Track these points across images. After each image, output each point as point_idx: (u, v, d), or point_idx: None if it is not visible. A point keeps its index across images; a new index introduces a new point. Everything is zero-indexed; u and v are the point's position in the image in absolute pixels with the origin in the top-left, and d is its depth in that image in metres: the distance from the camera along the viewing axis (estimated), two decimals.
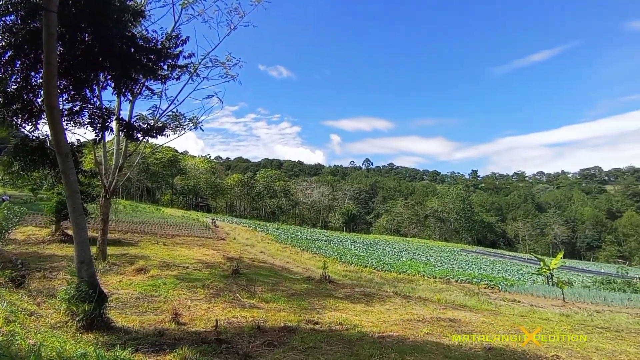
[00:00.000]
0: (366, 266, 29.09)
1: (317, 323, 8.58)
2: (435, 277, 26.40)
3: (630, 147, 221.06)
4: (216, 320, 7.53)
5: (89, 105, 7.56)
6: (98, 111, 7.77)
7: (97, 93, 8.48)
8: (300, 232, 54.97)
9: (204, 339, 6.44)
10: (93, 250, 11.39)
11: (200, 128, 15.59)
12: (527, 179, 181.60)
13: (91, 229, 18.65)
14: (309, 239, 45.99)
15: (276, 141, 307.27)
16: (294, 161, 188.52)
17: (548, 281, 26.33)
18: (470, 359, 6.36)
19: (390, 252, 46.23)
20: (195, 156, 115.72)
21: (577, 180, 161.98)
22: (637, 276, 36.25)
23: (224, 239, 32.68)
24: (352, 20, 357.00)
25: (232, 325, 7.72)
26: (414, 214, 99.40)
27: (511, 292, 22.31)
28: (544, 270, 26.53)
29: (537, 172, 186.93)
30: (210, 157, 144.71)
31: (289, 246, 35.55)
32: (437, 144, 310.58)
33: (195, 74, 15.38)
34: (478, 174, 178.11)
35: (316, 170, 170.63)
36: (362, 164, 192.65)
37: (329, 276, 17.60)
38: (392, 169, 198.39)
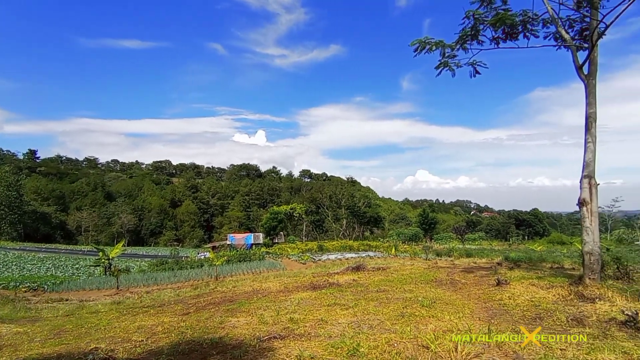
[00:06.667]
0: None
1: None
2: None
3: (194, 146, 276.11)
4: None
5: None
6: None
7: None
8: None
9: None
10: None
11: None
12: (99, 166, 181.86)
13: None
14: None
15: None
16: None
17: (106, 271, 26.77)
18: None
19: None
20: None
21: (149, 171, 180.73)
22: (185, 255, 44.88)
23: None
24: None
25: None
26: None
27: (59, 291, 21.14)
28: (103, 260, 26.88)
29: (112, 160, 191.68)
30: None
31: None
32: None
33: None
34: (37, 155, 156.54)
35: None
36: None
37: None
38: None
